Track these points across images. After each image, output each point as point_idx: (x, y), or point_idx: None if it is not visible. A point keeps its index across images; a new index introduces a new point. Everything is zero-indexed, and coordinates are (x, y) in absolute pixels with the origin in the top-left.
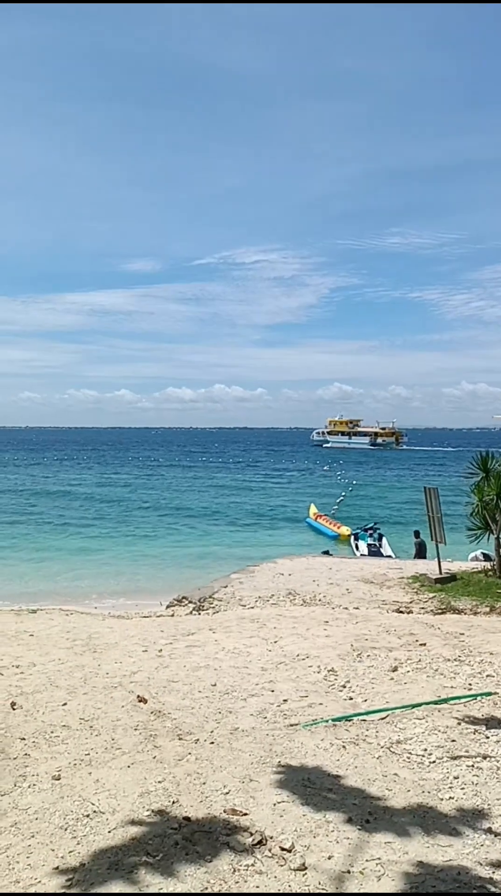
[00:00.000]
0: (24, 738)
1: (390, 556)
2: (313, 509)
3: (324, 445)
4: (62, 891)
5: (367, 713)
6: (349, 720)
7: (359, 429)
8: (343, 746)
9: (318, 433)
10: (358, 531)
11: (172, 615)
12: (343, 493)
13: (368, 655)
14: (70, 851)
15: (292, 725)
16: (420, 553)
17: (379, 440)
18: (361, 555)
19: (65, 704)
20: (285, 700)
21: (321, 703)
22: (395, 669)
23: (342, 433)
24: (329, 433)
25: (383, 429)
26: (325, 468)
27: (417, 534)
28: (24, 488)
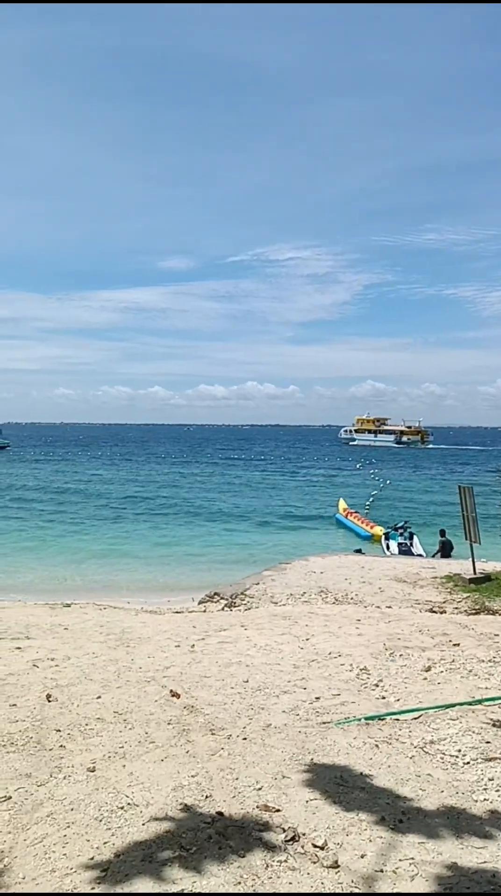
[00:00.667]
0: (59, 730)
1: (421, 556)
2: (342, 504)
3: (350, 443)
4: (95, 884)
5: (400, 712)
6: (382, 719)
7: (385, 427)
8: (376, 745)
9: (345, 431)
10: (389, 530)
11: (204, 611)
12: (375, 492)
13: (400, 655)
14: (105, 842)
15: (324, 723)
16: (445, 552)
17: (404, 438)
18: (391, 554)
19: (99, 697)
20: (317, 698)
21: (353, 702)
22: (428, 669)
23: (369, 431)
24: (356, 431)
25: (408, 427)
26: (357, 466)
27: (442, 532)
28: (57, 484)
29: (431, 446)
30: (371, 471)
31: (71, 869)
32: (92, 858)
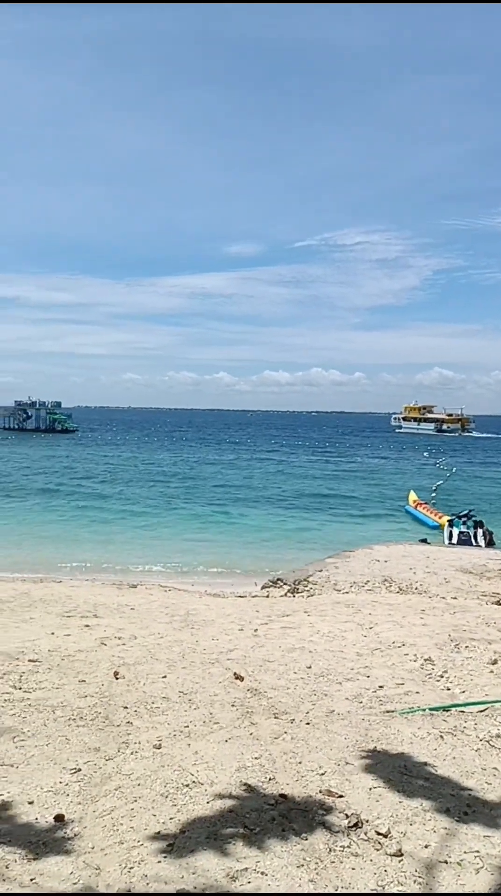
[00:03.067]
0: (126, 707)
1: (480, 546)
2: (412, 496)
3: (397, 431)
4: (161, 857)
5: (465, 704)
6: (447, 711)
7: (429, 415)
8: (441, 736)
9: (395, 419)
10: (453, 517)
11: (267, 596)
12: (440, 481)
13: (466, 647)
14: (170, 818)
15: (388, 712)
16: (489, 542)
17: (445, 426)
18: (449, 543)
19: (164, 677)
20: (380, 686)
21: (417, 692)
22: (495, 662)
23: (415, 419)
24: (403, 419)
25: (449, 415)
26: (424, 454)
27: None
28: (122, 468)
29: (475, 434)
30: (438, 459)
31: (138, 842)
32: (158, 833)
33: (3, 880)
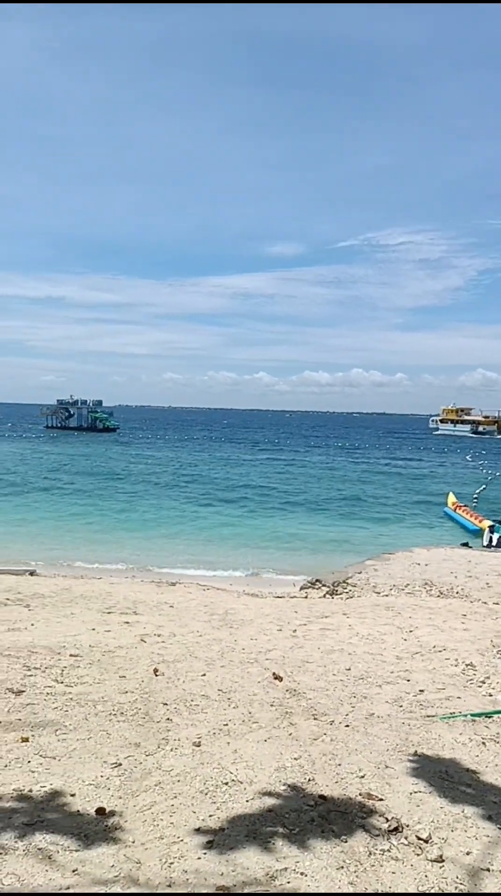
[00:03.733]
0: (166, 704)
1: None
2: (451, 498)
3: (434, 433)
4: (201, 853)
5: None
6: (490, 717)
7: (466, 417)
8: (483, 743)
9: (433, 420)
10: (495, 523)
11: (306, 597)
12: (483, 486)
13: None
14: (210, 815)
15: (428, 716)
16: None
17: (480, 428)
18: (484, 546)
19: (204, 675)
20: (421, 690)
21: (458, 697)
22: None
23: (452, 421)
24: (441, 421)
25: (486, 417)
26: (467, 457)
27: None
28: (160, 467)
29: None
30: (481, 462)
31: (178, 837)
32: (198, 829)
33: (47, 870)
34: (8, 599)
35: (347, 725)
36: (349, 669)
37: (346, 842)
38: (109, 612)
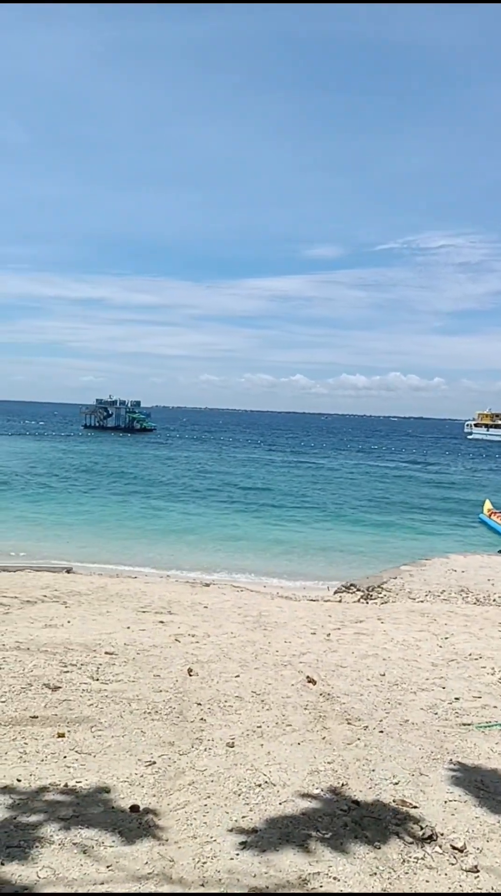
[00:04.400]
0: (200, 704)
1: None
2: (487, 504)
3: (468, 437)
4: (234, 854)
5: None
6: None
7: (500, 421)
8: None
9: (467, 425)
10: None
11: (340, 601)
12: None
13: None
14: (243, 816)
15: (464, 725)
16: None
17: None
18: None
19: (237, 676)
20: (456, 698)
21: (495, 706)
22: None
23: (486, 425)
24: (475, 425)
25: None
26: None
27: None
28: (195, 469)
29: None
30: None
31: (211, 837)
32: (231, 830)
33: (82, 865)
34: (45, 596)
35: (381, 731)
36: (384, 675)
37: (379, 848)
38: (143, 612)
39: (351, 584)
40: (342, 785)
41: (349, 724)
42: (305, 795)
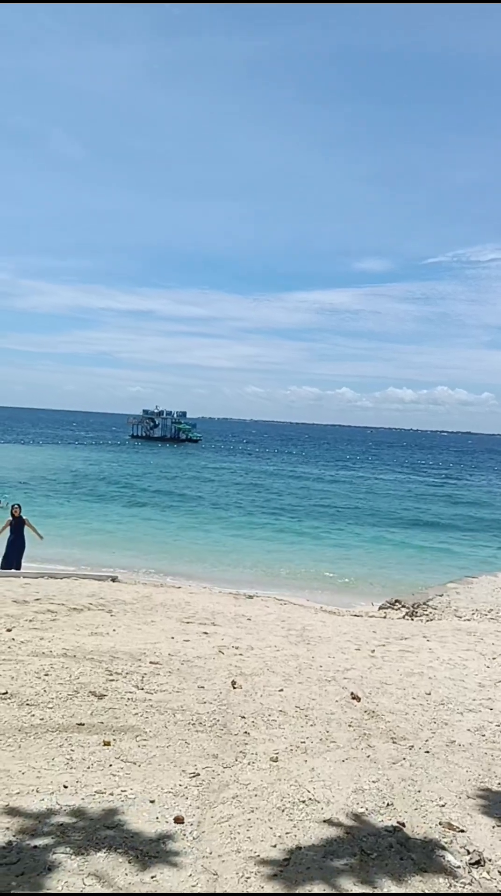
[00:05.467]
0: (244, 717)
1: None
2: None
3: None
4: (278, 870)
5: None
6: None
7: None
8: None
9: None
10: None
11: (384, 617)
12: None
13: None
14: (287, 832)
15: None
16: None
17: None
18: None
19: (281, 690)
20: None
21: None
22: None
23: None
24: None
25: None
26: None
27: None
28: (242, 481)
29: None
30: None
31: (255, 853)
32: (274, 846)
33: (126, 874)
34: (91, 604)
35: (427, 751)
36: (429, 694)
37: (425, 871)
38: (187, 622)
39: (396, 601)
40: (387, 805)
41: (394, 742)
42: (349, 814)
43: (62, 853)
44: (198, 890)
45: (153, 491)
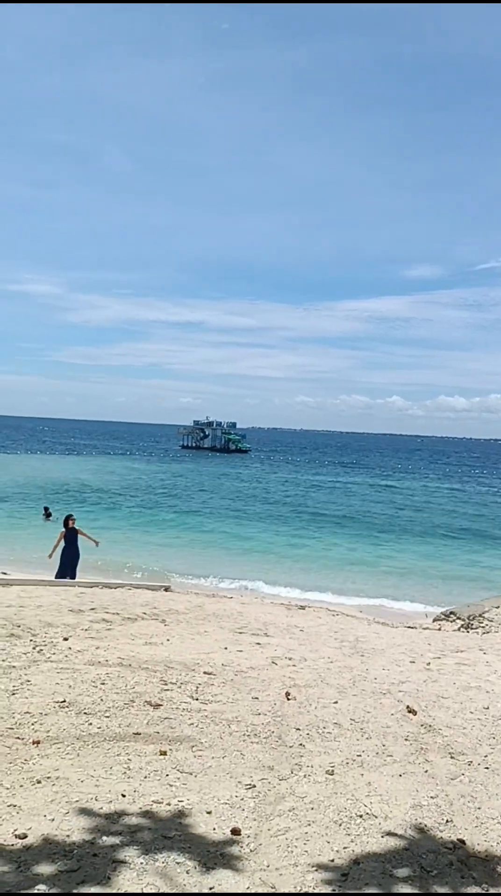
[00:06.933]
0: (299, 729)
1: None
2: None
3: None
4: (336, 886)
5: None
6: None
7: None
8: None
9: None
10: None
11: (439, 629)
12: None
13: None
14: (344, 847)
15: None
16: None
17: None
18: None
19: (336, 703)
20: None
21: None
22: None
23: None
24: None
25: None
26: None
27: None
28: (295, 489)
29: None
30: None
31: (312, 867)
32: (332, 860)
33: (185, 885)
34: (145, 613)
35: (486, 767)
36: (487, 708)
37: (487, 891)
38: (240, 632)
39: (451, 612)
40: (447, 821)
41: (452, 758)
42: (408, 830)
43: (121, 861)
44: None
45: (202, 501)
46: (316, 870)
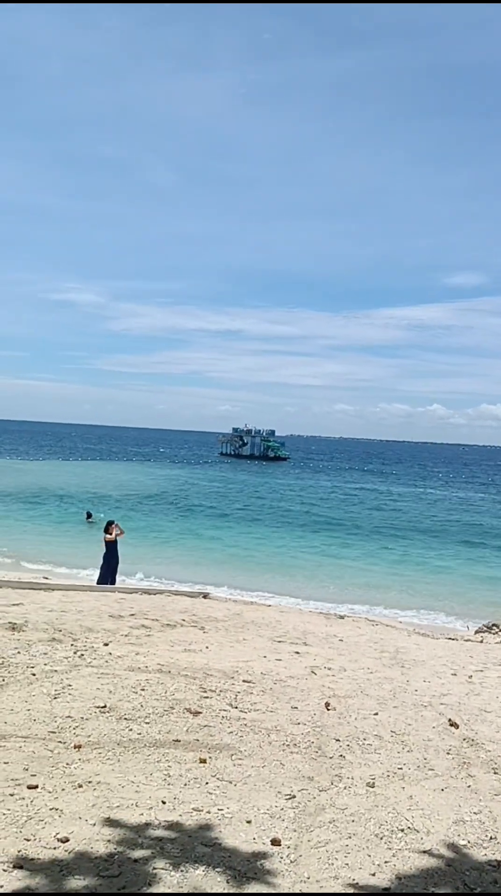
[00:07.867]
0: (338, 740)
1: None
2: None
3: None
4: None
5: None
6: None
7: None
8: None
9: None
10: None
11: (481, 641)
12: None
13: None
14: (386, 861)
15: None
16: None
17: None
18: None
19: (376, 714)
20: None
21: None
22: None
23: None
24: None
25: None
26: None
27: None
28: (336, 500)
29: None
30: None
31: (353, 880)
32: (373, 874)
33: (223, 893)
34: (184, 620)
35: None
36: None
37: None
38: (279, 641)
39: (494, 624)
40: (490, 838)
41: (495, 773)
42: (450, 846)
43: (161, 868)
44: None
45: (241, 507)
46: (357, 883)
